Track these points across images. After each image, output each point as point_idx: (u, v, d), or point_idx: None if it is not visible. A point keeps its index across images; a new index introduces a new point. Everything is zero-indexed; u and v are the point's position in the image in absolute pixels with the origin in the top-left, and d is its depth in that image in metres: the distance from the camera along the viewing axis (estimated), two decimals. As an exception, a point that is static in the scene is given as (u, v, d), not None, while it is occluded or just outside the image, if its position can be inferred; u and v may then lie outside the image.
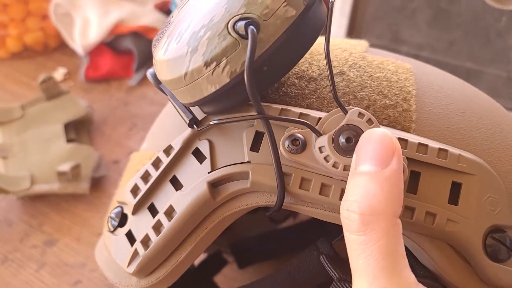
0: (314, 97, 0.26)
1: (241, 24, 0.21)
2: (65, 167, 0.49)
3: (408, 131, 0.25)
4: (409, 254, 0.24)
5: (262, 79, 0.23)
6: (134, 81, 0.68)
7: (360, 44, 0.30)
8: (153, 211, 0.26)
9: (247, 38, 0.21)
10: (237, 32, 0.21)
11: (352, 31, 0.56)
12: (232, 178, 0.24)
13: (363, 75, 0.27)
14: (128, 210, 0.27)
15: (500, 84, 0.51)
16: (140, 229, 0.26)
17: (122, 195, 0.28)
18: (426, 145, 0.24)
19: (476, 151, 0.25)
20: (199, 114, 0.26)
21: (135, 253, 0.26)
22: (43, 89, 0.58)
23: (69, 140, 0.56)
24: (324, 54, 0.28)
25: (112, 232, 0.28)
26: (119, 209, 0.28)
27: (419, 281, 0.20)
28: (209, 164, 0.25)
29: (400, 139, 0.24)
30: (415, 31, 0.54)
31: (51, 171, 0.51)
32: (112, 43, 0.70)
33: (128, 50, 0.70)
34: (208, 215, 0.25)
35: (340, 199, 0.23)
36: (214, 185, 0.25)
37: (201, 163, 0.25)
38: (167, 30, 0.25)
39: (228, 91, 0.22)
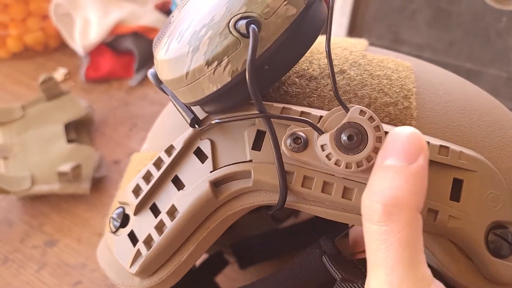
0: (315, 95, 0.26)
1: (242, 23, 0.21)
2: (66, 167, 0.49)
3: None
4: None
5: (263, 78, 0.23)
6: (135, 81, 0.68)
7: (360, 43, 0.30)
8: (155, 211, 0.26)
9: (248, 37, 0.21)
10: (238, 31, 0.21)
11: (353, 31, 0.56)
12: (234, 177, 0.24)
13: (364, 73, 0.27)
14: (130, 211, 0.27)
15: (500, 84, 0.51)
16: (143, 229, 0.26)
17: (124, 196, 0.28)
18: (428, 142, 0.24)
19: (477, 148, 0.25)
20: (200, 113, 0.26)
21: (138, 254, 0.26)
22: (43, 89, 0.58)
23: (69, 141, 0.56)
24: (324, 53, 0.28)
25: (114, 232, 0.28)
26: (120, 209, 0.28)
27: None
28: (211, 164, 0.25)
29: None
30: (415, 32, 0.54)
31: (51, 171, 0.51)
32: (112, 43, 0.70)
33: (129, 50, 0.70)
34: (210, 215, 0.25)
35: (343, 196, 0.23)
36: (216, 184, 0.25)
37: (203, 163, 0.25)
38: (167, 30, 0.25)
39: (229, 90, 0.22)
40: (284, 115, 0.24)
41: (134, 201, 0.27)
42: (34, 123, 0.57)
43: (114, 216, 0.28)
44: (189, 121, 0.25)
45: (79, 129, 0.59)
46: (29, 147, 0.55)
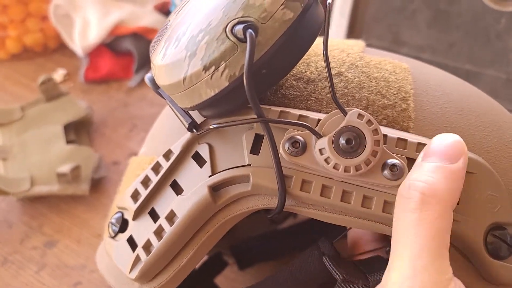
0: (313, 98, 0.26)
1: (239, 27, 0.21)
2: (65, 168, 0.49)
3: (407, 131, 0.25)
4: None
5: (261, 82, 0.23)
6: (134, 82, 0.67)
7: (357, 45, 0.30)
8: (154, 216, 0.26)
9: (245, 42, 0.21)
10: (235, 36, 0.21)
11: (352, 32, 0.56)
12: (233, 181, 0.24)
13: (361, 75, 0.27)
14: (128, 216, 0.27)
15: (499, 85, 0.51)
16: (142, 234, 0.26)
17: (123, 201, 0.28)
18: (425, 144, 0.24)
19: (474, 149, 0.25)
20: (198, 118, 0.26)
21: (137, 259, 0.26)
22: (42, 90, 0.58)
23: (68, 142, 0.56)
24: (321, 55, 0.28)
25: (113, 237, 0.28)
26: (119, 214, 0.28)
27: None
28: (209, 168, 0.25)
29: (399, 139, 0.24)
30: (415, 32, 0.54)
31: (51, 172, 0.50)
32: (111, 44, 0.70)
33: (128, 51, 0.70)
34: (209, 219, 0.25)
35: (342, 200, 0.23)
36: (215, 189, 0.25)
37: (201, 167, 0.25)
38: (164, 35, 0.25)
39: (227, 95, 0.22)
40: (282, 119, 0.24)
41: (132, 206, 0.27)
42: (34, 124, 0.57)
43: (113, 221, 0.28)
44: (187, 126, 0.25)
45: (78, 130, 0.59)
46: (29, 148, 0.54)
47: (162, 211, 0.26)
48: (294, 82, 0.26)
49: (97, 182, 0.53)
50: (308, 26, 0.23)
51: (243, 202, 0.25)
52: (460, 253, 0.24)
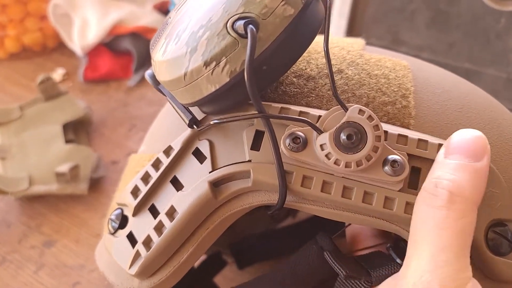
0: (313, 95, 0.26)
1: (240, 23, 0.21)
2: (64, 168, 0.49)
3: (408, 128, 0.25)
4: None
5: (261, 78, 0.23)
6: (133, 82, 0.67)
7: (357, 42, 0.30)
8: (154, 212, 0.26)
9: (246, 37, 0.21)
10: (236, 32, 0.21)
11: (351, 33, 0.56)
12: (233, 177, 0.24)
13: (361, 72, 0.27)
14: (128, 212, 0.27)
15: (499, 85, 0.51)
16: (142, 230, 0.26)
17: (122, 197, 0.28)
18: (426, 141, 0.24)
19: None
20: (198, 114, 0.26)
21: (137, 255, 0.25)
22: (41, 89, 0.58)
23: (67, 141, 0.56)
24: (322, 53, 0.28)
25: (113, 234, 0.28)
26: (119, 211, 0.28)
27: None
28: (209, 164, 0.25)
29: (400, 135, 0.24)
30: (414, 33, 0.54)
31: (49, 172, 0.50)
32: (111, 44, 0.70)
33: (127, 51, 0.70)
34: (209, 215, 0.25)
35: (342, 196, 0.23)
36: (216, 185, 0.24)
37: (201, 163, 0.25)
38: (164, 31, 0.25)
39: (228, 91, 0.22)
40: (283, 115, 0.24)
41: (132, 202, 0.27)
42: (32, 124, 0.57)
43: (113, 217, 0.28)
44: (187, 122, 0.25)
45: (77, 130, 0.59)
46: (27, 147, 0.54)
47: (162, 207, 0.26)
48: (294, 79, 0.26)
49: (96, 182, 0.53)
50: (308, 23, 0.23)
51: (243, 198, 0.25)
52: None
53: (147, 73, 0.27)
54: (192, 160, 0.26)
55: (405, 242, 0.24)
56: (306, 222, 0.45)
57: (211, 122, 0.24)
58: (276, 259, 0.43)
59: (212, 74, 0.22)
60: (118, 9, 0.71)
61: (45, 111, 0.58)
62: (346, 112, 0.23)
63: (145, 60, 0.70)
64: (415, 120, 0.25)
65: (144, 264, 0.25)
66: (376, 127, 0.23)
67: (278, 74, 0.24)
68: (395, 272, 0.24)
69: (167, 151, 0.26)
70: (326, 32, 0.23)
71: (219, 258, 0.42)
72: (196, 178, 0.25)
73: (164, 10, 0.74)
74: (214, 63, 0.22)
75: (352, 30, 0.56)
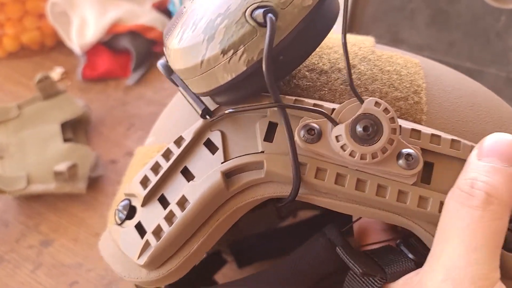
0: (326, 89, 0.26)
1: (259, 12, 0.21)
2: (62, 166, 0.49)
3: (420, 123, 0.25)
4: (425, 247, 0.24)
5: (277, 69, 0.22)
6: (132, 81, 0.67)
7: (368, 40, 0.30)
8: (163, 202, 0.26)
9: (265, 26, 0.21)
10: (255, 20, 0.21)
11: (351, 32, 0.56)
12: (246, 168, 0.24)
13: (374, 68, 0.27)
14: (136, 202, 0.27)
15: (500, 84, 0.51)
16: (151, 220, 0.26)
17: (131, 187, 0.27)
18: (439, 136, 0.24)
19: None
20: (210, 105, 0.26)
21: (147, 244, 0.25)
22: (39, 88, 0.58)
23: (66, 140, 0.55)
24: (333, 48, 0.28)
25: (120, 224, 0.27)
26: (126, 201, 0.27)
27: None
28: (221, 155, 0.25)
29: (413, 130, 0.24)
30: (414, 32, 0.54)
31: (47, 171, 0.50)
32: (109, 43, 0.70)
33: (126, 50, 0.69)
34: (220, 206, 0.25)
35: (356, 188, 0.23)
36: (228, 175, 0.24)
37: (213, 154, 0.25)
38: (180, 20, 0.25)
39: (243, 80, 0.22)
40: (299, 105, 0.24)
41: (142, 192, 0.26)
42: (30, 123, 0.57)
43: (120, 208, 0.28)
44: (200, 112, 0.25)
45: (75, 129, 0.58)
46: (25, 146, 0.54)
47: (173, 197, 0.25)
48: (307, 73, 0.26)
49: (94, 181, 0.52)
50: (325, 15, 0.23)
51: (255, 189, 0.24)
52: None
53: (160, 63, 0.27)
54: (203, 150, 0.25)
55: (415, 237, 0.25)
56: (307, 222, 0.45)
57: (226, 112, 0.24)
58: (276, 259, 0.43)
59: (229, 62, 0.22)
60: (116, 8, 0.70)
61: (43, 110, 0.58)
62: (362, 104, 0.23)
63: (144, 59, 0.70)
64: (427, 116, 0.25)
65: (154, 254, 0.25)
66: (392, 120, 0.23)
67: (293, 66, 0.24)
68: (409, 268, 0.24)
69: (178, 142, 0.26)
70: (344, 24, 0.23)
71: (219, 257, 0.42)
72: (207, 168, 0.25)
73: (163, 8, 0.74)
74: (231, 52, 0.22)
75: (351, 29, 0.56)
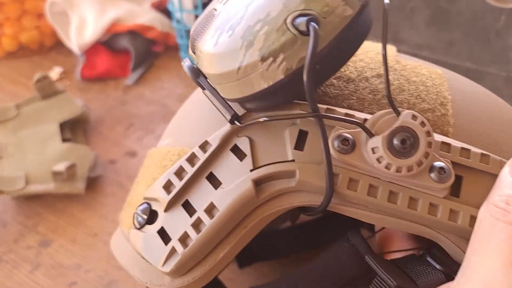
0: (354, 98, 0.26)
1: (302, 20, 0.21)
2: (61, 166, 0.49)
3: (446, 136, 0.25)
4: (452, 262, 0.25)
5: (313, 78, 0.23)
6: (131, 81, 0.67)
7: (390, 48, 0.30)
8: (188, 208, 0.25)
9: (307, 35, 0.21)
10: (296, 28, 0.21)
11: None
12: (275, 176, 0.24)
13: (400, 78, 0.27)
14: (158, 207, 0.27)
15: (499, 83, 0.51)
16: (175, 226, 0.25)
17: (152, 191, 0.27)
18: (469, 150, 0.24)
19: (508, 156, 0.25)
20: (237, 110, 0.25)
21: (172, 251, 0.25)
22: (38, 88, 0.58)
23: (64, 140, 0.55)
24: (358, 56, 0.28)
25: (139, 229, 0.27)
26: (146, 205, 0.27)
27: None
28: (250, 162, 0.24)
29: (443, 142, 0.24)
30: (414, 31, 0.53)
31: (46, 171, 0.50)
32: (108, 42, 0.70)
33: (125, 49, 0.69)
34: (248, 214, 0.25)
35: (388, 200, 0.23)
36: (257, 183, 0.24)
37: (241, 160, 0.25)
38: (212, 23, 0.25)
39: (279, 88, 0.22)
40: (336, 116, 0.24)
41: (165, 197, 0.26)
42: (29, 122, 0.57)
43: (139, 212, 0.27)
44: (229, 118, 0.25)
45: (74, 128, 0.58)
46: (24, 146, 0.54)
47: (198, 203, 0.25)
48: (334, 81, 0.26)
49: (93, 181, 0.52)
50: (361, 25, 0.23)
51: (284, 198, 0.24)
52: None
53: (186, 65, 0.26)
54: (230, 156, 0.25)
55: (437, 248, 0.25)
56: (308, 224, 0.45)
57: (261, 120, 0.24)
58: (277, 260, 0.43)
59: (267, 70, 0.22)
60: (115, 7, 0.70)
61: (42, 109, 0.58)
62: (398, 116, 0.23)
63: (143, 59, 0.69)
64: (454, 128, 0.26)
65: (181, 261, 0.25)
66: (428, 133, 0.23)
67: (327, 75, 0.24)
68: (440, 280, 0.24)
69: (203, 146, 0.26)
70: (384, 36, 0.23)
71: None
72: (235, 175, 0.24)
73: (162, 8, 0.74)
74: (271, 59, 0.21)
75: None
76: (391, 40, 0.55)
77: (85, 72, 0.67)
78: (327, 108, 0.24)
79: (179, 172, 0.26)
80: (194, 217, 0.25)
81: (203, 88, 0.26)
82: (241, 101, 0.24)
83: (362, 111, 0.25)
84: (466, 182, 0.24)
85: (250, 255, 0.43)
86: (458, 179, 0.24)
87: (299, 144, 0.24)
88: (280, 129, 0.25)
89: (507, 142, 0.26)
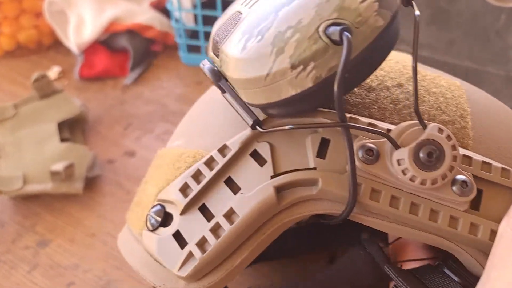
0: (376, 107, 0.26)
1: (335, 29, 0.21)
2: (59, 166, 0.48)
3: (466, 148, 0.25)
4: (469, 274, 0.25)
5: None
6: (129, 80, 0.67)
7: (408, 57, 0.30)
8: (205, 212, 0.25)
9: (339, 44, 0.21)
10: (328, 37, 0.21)
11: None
12: (297, 183, 0.24)
13: (420, 88, 0.27)
14: (173, 209, 0.26)
15: (499, 83, 0.51)
16: (192, 230, 0.25)
17: (168, 193, 0.27)
18: (490, 164, 0.24)
19: None
20: (258, 115, 0.25)
21: (189, 256, 0.25)
22: (36, 87, 0.57)
23: (63, 139, 0.55)
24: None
25: (152, 231, 0.27)
26: (159, 207, 0.27)
27: None
28: (271, 168, 0.24)
29: (464, 156, 0.24)
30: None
31: (44, 170, 0.50)
32: (107, 41, 0.69)
33: (123, 49, 0.69)
34: (268, 220, 0.24)
35: (410, 212, 0.23)
36: (278, 190, 0.24)
37: (261, 166, 0.25)
38: (238, 26, 0.24)
39: (305, 96, 0.22)
40: (362, 126, 0.24)
41: (182, 200, 0.26)
42: (27, 122, 0.56)
43: (152, 213, 0.27)
44: (250, 123, 0.24)
45: (72, 128, 0.58)
46: (22, 146, 0.54)
47: (216, 208, 0.25)
48: (355, 89, 0.26)
49: (91, 181, 0.52)
50: (390, 35, 0.23)
51: (304, 205, 0.24)
52: None
53: (207, 68, 0.26)
54: (250, 162, 0.25)
55: (454, 260, 0.25)
56: (309, 226, 0.45)
57: (286, 127, 0.23)
58: (278, 260, 0.43)
59: (296, 77, 0.21)
60: (114, 6, 0.70)
61: (40, 109, 0.57)
62: (424, 129, 0.23)
63: (142, 58, 0.69)
64: (473, 141, 0.26)
65: (198, 266, 0.24)
66: (453, 147, 0.23)
67: (355, 84, 0.24)
68: None
69: (221, 150, 0.26)
70: (415, 47, 0.23)
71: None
72: (255, 181, 0.24)
73: (161, 7, 0.73)
74: (301, 67, 0.21)
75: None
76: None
77: (83, 71, 0.67)
78: (350, 117, 0.24)
79: (197, 176, 0.26)
80: (213, 222, 0.24)
81: (223, 91, 0.25)
82: (267, 107, 0.24)
83: (383, 121, 0.25)
84: (486, 196, 0.24)
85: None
86: (479, 193, 0.24)
87: (321, 152, 0.24)
88: (301, 136, 0.24)
89: None
